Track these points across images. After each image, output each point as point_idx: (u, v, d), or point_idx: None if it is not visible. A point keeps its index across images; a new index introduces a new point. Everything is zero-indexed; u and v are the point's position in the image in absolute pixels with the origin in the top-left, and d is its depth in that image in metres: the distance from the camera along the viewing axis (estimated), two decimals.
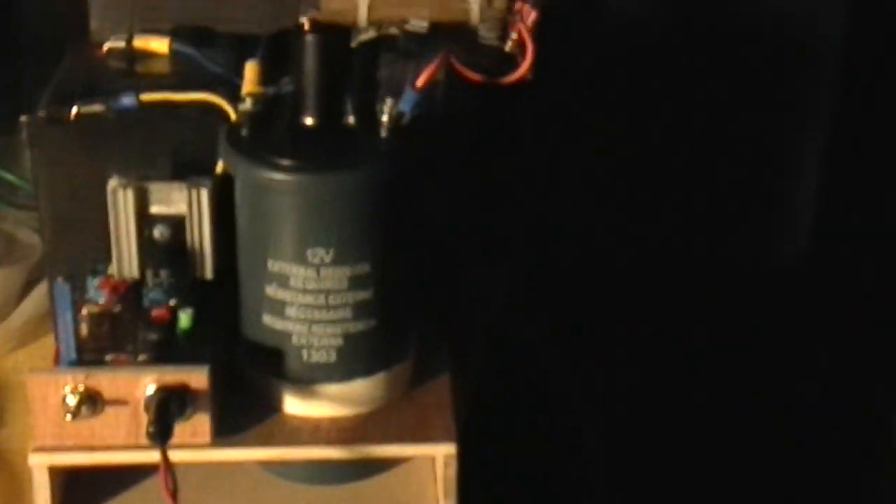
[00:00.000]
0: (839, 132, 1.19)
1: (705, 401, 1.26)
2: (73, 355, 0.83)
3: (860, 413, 1.29)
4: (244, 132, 0.82)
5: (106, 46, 0.94)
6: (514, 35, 0.85)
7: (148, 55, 0.94)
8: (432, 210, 0.91)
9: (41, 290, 1.01)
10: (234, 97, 0.86)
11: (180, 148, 0.87)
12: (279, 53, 0.88)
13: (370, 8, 0.81)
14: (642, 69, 1.12)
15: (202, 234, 0.86)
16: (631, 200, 1.19)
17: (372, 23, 0.82)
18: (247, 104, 0.82)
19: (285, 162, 0.80)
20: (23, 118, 0.89)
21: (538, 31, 0.88)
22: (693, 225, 1.23)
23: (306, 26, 0.81)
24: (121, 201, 0.85)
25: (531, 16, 0.90)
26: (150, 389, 0.80)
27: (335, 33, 0.81)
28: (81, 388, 0.80)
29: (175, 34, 0.95)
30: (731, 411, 1.26)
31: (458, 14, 0.82)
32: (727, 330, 1.26)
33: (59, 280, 0.82)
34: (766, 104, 1.19)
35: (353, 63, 0.82)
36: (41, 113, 0.87)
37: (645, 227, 1.21)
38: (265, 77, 0.85)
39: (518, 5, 0.90)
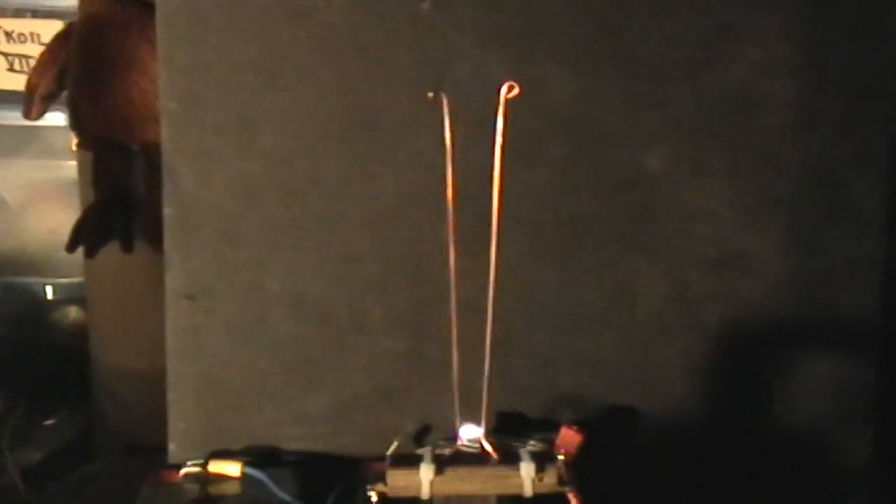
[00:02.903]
0: None
1: None
2: None
3: None
4: None
5: (183, 472, 1.02)
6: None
7: (222, 478, 1.02)
8: None
9: None
10: None
11: None
12: None
13: (432, 484, 0.88)
14: None
15: None
16: None
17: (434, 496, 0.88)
18: None
19: None
20: None
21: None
22: None
23: (373, 499, 0.88)
24: None
25: (576, 440, 0.97)
26: None
27: None
28: None
29: (246, 455, 1.03)
30: None
31: (514, 489, 0.89)
32: None
33: None
34: None
35: None
36: None
37: None
38: None
39: (564, 431, 0.98)
